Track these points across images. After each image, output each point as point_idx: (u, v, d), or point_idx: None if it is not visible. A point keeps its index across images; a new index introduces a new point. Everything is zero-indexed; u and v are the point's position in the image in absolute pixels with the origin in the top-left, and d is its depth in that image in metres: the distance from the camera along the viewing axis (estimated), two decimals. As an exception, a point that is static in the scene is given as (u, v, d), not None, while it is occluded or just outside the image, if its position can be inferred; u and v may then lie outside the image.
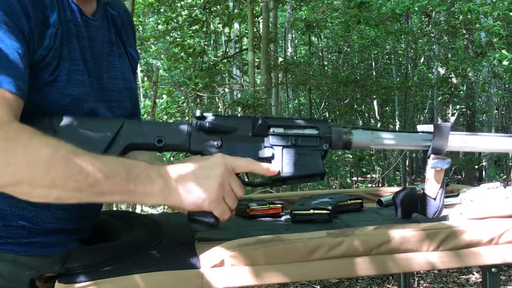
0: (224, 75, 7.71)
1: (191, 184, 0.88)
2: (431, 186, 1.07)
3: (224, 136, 0.97)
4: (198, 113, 0.97)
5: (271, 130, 0.99)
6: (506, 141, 1.08)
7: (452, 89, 7.62)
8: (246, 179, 1.02)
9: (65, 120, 0.93)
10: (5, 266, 0.96)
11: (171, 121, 6.58)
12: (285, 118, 1.03)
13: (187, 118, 6.70)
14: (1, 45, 0.85)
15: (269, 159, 0.98)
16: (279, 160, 0.98)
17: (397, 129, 8.41)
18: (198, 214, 0.90)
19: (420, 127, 1.07)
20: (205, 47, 6.52)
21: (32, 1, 0.90)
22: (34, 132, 0.83)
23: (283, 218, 1.29)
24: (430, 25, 6.38)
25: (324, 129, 1.00)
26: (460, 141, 1.06)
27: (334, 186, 7.41)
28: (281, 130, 0.99)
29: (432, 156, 1.04)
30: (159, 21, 7.40)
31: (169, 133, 0.96)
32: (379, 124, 9.37)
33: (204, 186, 0.88)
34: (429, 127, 1.05)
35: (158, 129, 0.97)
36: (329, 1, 7.42)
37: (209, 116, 0.98)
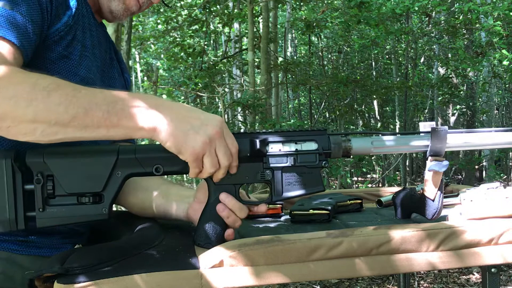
0: (224, 75, 7.72)
1: (180, 131, 0.86)
2: (430, 188, 1.07)
3: None
4: None
5: (270, 147, 0.99)
6: (507, 135, 1.08)
7: (452, 89, 7.62)
8: (248, 198, 1.03)
9: (60, 159, 0.92)
10: None
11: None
12: (283, 131, 1.01)
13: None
14: (16, 9, 0.89)
15: (269, 181, 0.99)
16: (279, 182, 0.98)
17: (397, 129, 8.41)
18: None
19: (422, 125, 1.07)
20: (205, 47, 6.51)
21: None
22: (18, 70, 0.85)
23: (282, 218, 1.28)
24: (430, 25, 6.38)
25: (323, 143, 1.00)
26: (460, 141, 1.06)
27: (334, 186, 7.41)
28: (279, 146, 0.99)
29: (430, 158, 1.04)
30: (159, 21, 7.40)
31: (166, 160, 0.94)
32: (379, 124, 9.37)
33: (191, 138, 0.86)
34: (431, 124, 1.05)
35: (155, 157, 0.94)
36: (329, 1, 7.42)
37: None
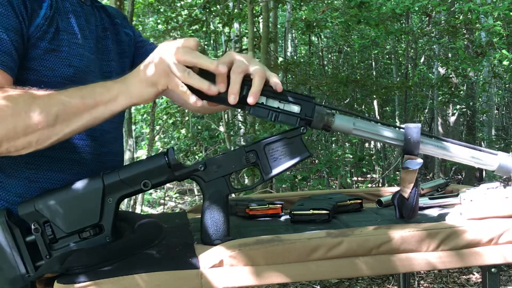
0: (224, 75, 7.69)
1: (146, 69, 0.91)
2: (404, 187, 1.07)
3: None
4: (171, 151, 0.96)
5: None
6: (481, 156, 1.06)
7: (452, 89, 7.61)
8: (238, 186, 1.02)
9: (50, 202, 0.92)
10: None
11: (171, 121, 6.57)
12: (271, 87, 0.99)
13: (187, 118, 6.69)
14: None
15: (255, 163, 0.98)
16: (265, 160, 0.98)
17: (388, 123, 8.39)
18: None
19: (405, 126, 1.05)
20: (205, 47, 6.51)
21: None
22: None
23: (282, 218, 1.28)
24: (430, 25, 6.38)
25: (307, 109, 0.98)
26: (431, 147, 1.04)
27: (334, 186, 7.40)
28: (263, 100, 0.96)
29: (405, 156, 1.03)
30: (159, 21, 7.40)
31: (150, 174, 0.95)
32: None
33: (151, 67, 0.91)
34: (416, 125, 1.03)
35: (139, 173, 0.95)
36: (329, 1, 7.42)
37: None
